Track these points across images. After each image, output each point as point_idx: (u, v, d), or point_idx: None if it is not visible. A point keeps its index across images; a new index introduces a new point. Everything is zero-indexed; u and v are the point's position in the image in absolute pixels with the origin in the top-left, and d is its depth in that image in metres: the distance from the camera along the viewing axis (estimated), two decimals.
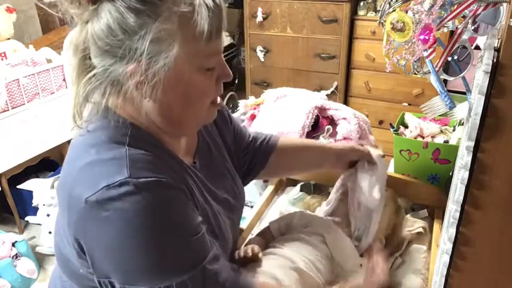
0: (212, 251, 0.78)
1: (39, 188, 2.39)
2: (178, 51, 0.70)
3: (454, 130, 1.36)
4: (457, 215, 0.69)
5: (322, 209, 1.23)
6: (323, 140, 1.70)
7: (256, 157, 1.11)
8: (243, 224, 1.29)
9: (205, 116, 0.83)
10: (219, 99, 0.84)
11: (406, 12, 0.76)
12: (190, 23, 0.69)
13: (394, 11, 0.78)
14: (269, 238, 1.15)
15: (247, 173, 1.12)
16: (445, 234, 0.78)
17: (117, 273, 0.72)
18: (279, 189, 1.51)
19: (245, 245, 1.14)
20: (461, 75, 0.80)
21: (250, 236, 1.26)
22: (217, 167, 0.98)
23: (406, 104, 2.89)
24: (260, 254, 1.04)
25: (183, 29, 0.69)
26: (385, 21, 0.79)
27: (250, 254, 1.03)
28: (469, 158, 0.65)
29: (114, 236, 0.69)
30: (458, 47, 0.79)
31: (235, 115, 1.97)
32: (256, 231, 1.28)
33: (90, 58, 0.73)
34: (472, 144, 0.64)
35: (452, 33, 0.80)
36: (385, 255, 1.09)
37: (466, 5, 0.70)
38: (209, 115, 0.84)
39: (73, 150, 0.78)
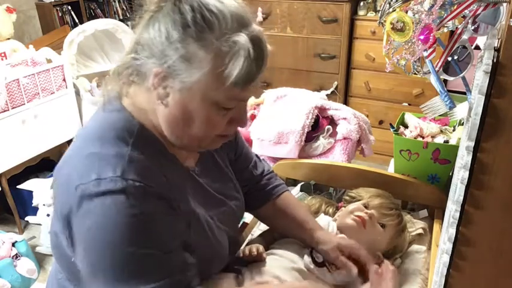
0: (183, 272, 0.77)
1: (39, 188, 2.39)
2: (201, 79, 0.72)
3: (454, 130, 1.36)
4: (457, 215, 0.69)
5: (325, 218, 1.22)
6: (323, 140, 1.70)
7: (252, 196, 1.10)
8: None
9: (209, 143, 0.84)
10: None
11: (406, 12, 0.76)
12: (223, 62, 0.71)
13: (394, 11, 0.78)
14: (270, 240, 1.15)
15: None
16: (445, 234, 0.78)
17: (83, 262, 0.74)
18: None
19: (246, 245, 1.14)
20: (461, 75, 0.80)
21: (250, 237, 1.26)
22: (218, 173, 0.99)
23: (406, 104, 2.89)
24: (264, 254, 1.04)
25: (215, 63, 0.71)
26: (385, 21, 0.79)
27: (256, 253, 1.03)
28: (469, 158, 0.65)
29: (90, 228, 0.72)
30: (458, 47, 0.79)
31: None
32: (256, 231, 1.28)
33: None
34: (472, 144, 0.64)
35: (452, 33, 0.80)
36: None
37: (466, 5, 0.70)
38: (213, 144, 0.85)
39: (81, 138, 0.81)
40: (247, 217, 1.26)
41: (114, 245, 0.71)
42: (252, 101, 1.94)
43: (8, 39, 2.85)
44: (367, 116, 2.02)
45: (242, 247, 1.10)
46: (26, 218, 2.46)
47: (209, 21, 0.71)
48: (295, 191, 1.43)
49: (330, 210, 1.26)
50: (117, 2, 4.23)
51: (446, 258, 0.73)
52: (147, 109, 0.80)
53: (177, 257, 0.78)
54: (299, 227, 1.07)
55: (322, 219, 1.18)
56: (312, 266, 1.02)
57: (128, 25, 3.10)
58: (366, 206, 1.15)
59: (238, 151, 1.07)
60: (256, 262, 1.03)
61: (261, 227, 1.29)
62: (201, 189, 0.91)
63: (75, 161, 0.77)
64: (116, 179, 0.71)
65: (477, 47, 0.89)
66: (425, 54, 0.77)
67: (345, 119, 1.74)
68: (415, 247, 1.21)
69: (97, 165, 0.74)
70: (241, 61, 0.71)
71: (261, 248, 1.06)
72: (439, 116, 1.10)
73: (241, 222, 1.25)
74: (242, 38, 0.72)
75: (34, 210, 2.42)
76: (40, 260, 2.35)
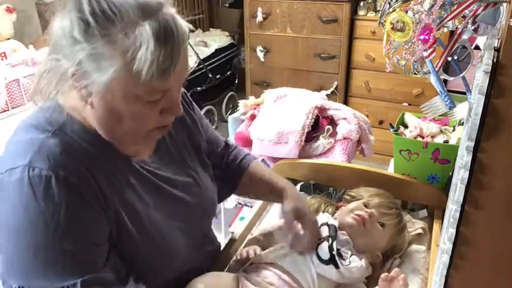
0: (96, 269, 0.75)
1: None
2: (114, 76, 0.69)
3: (454, 130, 1.36)
4: (457, 215, 0.69)
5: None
6: (323, 140, 1.70)
7: (227, 174, 1.10)
8: (243, 224, 1.29)
9: (146, 137, 0.80)
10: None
11: (406, 12, 0.76)
12: (131, 57, 0.68)
13: (394, 11, 0.78)
14: (270, 241, 1.15)
15: (220, 187, 1.09)
16: (445, 234, 0.78)
17: None
18: None
19: (244, 246, 1.14)
20: (461, 75, 0.80)
21: (249, 236, 1.26)
22: (179, 165, 0.95)
23: (406, 104, 2.89)
24: (260, 251, 1.04)
25: (123, 59, 0.68)
26: (385, 21, 0.79)
27: (253, 255, 1.03)
28: (469, 158, 0.65)
29: (1, 216, 0.73)
30: (458, 47, 0.79)
31: (235, 115, 1.97)
32: (255, 231, 1.28)
33: None
34: (472, 144, 0.64)
35: (452, 33, 0.80)
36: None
37: (466, 5, 0.70)
38: (151, 137, 0.82)
39: (15, 129, 0.81)
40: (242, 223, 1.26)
41: (13, 236, 0.72)
42: (252, 101, 1.94)
43: (8, 39, 2.85)
44: (367, 116, 2.02)
45: (240, 248, 1.10)
46: None
47: (109, 15, 0.67)
48: None
49: (330, 210, 1.26)
50: None
51: (446, 258, 0.73)
52: (78, 107, 0.77)
53: (89, 254, 0.75)
54: (269, 189, 1.10)
55: (322, 217, 1.18)
56: (317, 269, 1.01)
57: None
58: (366, 205, 1.15)
59: (206, 136, 1.05)
60: (254, 264, 1.03)
61: (260, 227, 1.29)
62: (149, 183, 0.87)
63: (3, 151, 0.78)
64: (23, 168, 0.70)
65: (477, 47, 0.89)
66: (425, 54, 0.77)
67: (345, 119, 1.74)
68: (414, 247, 1.21)
69: (12, 153, 0.74)
70: (148, 54, 0.67)
71: (258, 250, 1.06)
72: (439, 116, 1.10)
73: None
74: (146, 28, 0.67)
75: None
76: None
